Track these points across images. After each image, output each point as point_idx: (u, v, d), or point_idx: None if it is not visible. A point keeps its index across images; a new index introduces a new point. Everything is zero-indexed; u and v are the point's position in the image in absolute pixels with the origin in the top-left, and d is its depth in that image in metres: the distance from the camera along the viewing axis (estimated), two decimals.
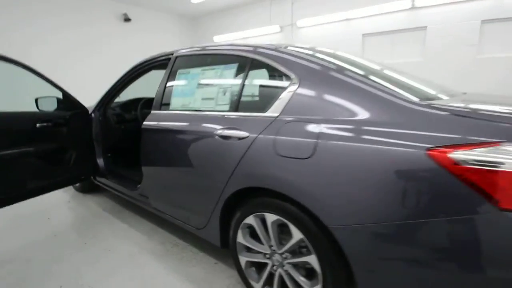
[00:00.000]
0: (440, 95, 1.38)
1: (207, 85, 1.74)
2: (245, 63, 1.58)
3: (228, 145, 1.47)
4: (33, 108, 2.29)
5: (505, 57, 4.54)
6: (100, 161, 2.79)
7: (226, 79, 1.65)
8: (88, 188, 3.13)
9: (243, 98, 1.55)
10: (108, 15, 6.38)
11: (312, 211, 1.19)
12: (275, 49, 1.51)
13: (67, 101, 2.45)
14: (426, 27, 5.13)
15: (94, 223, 2.50)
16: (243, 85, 1.56)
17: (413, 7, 5.16)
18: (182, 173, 1.76)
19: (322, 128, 1.19)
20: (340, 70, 1.32)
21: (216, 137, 1.53)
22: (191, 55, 1.93)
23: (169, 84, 1.98)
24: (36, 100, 2.41)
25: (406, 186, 0.98)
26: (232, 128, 1.48)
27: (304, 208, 1.24)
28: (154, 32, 7.33)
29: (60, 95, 2.42)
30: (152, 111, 2.01)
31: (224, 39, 7.81)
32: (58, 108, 2.48)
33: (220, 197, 1.54)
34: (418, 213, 0.96)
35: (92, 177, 2.82)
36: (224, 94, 1.63)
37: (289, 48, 1.53)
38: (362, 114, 1.14)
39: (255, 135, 1.37)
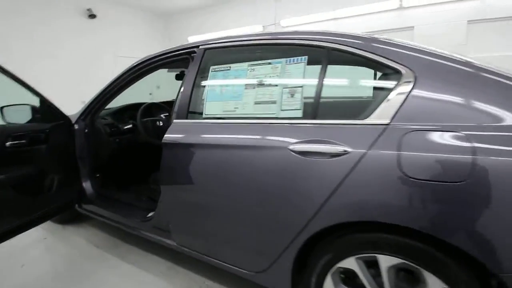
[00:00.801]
0: None
1: (262, 85, 1.33)
2: (321, 55, 1.21)
3: (313, 165, 1.08)
4: None
5: (490, 56, 4.68)
6: (87, 185, 2.21)
7: (293, 76, 1.26)
8: (69, 217, 2.50)
9: (323, 100, 1.18)
10: (71, 12, 5.56)
11: (472, 254, 0.85)
12: (368, 38, 1.16)
13: (46, 110, 1.87)
14: (413, 27, 5.16)
15: (86, 266, 1.93)
16: (321, 84, 1.18)
17: (401, 7, 5.16)
18: (231, 202, 1.33)
19: (474, 139, 0.87)
20: (469, 64, 1.01)
21: (291, 153, 1.13)
22: (229, 47, 1.50)
23: (198, 84, 1.53)
24: (1, 110, 1.80)
25: None
26: (318, 141, 1.10)
27: (444, 248, 0.90)
28: (122, 30, 6.59)
29: (35, 102, 1.84)
30: (175, 121, 1.54)
31: (199, 39, 7.29)
32: (33, 119, 1.89)
33: (301, 233, 1.14)
34: None
35: (76, 205, 2.23)
36: (292, 95, 1.24)
37: (379, 37, 1.19)
38: None
39: (362, 151, 1.00)
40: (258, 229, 1.27)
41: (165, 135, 1.53)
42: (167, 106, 2.53)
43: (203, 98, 1.50)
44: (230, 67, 1.44)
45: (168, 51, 1.77)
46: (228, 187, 1.32)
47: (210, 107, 1.46)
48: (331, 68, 1.20)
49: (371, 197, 0.98)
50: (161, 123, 2.33)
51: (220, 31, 6.86)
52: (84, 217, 2.41)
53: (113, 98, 2.11)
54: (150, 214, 1.80)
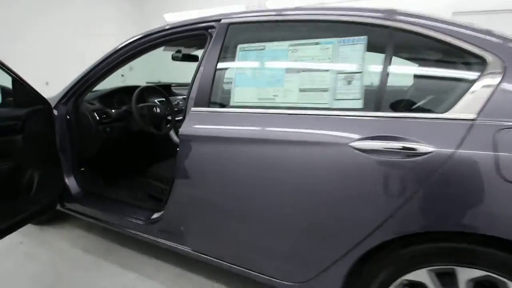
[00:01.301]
0: None
1: (307, 69, 1.13)
2: (383, 36, 1.04)
3: (385, 166, 0.93)
4: None
5: None
6: (71, 181, 1.89)
7: (350, 60, 1.07)
8: (47, 218, 2.15)
9: (388, 89, 1.01)
10: None
11: None
12: (444, 20, 1.00)
13: (20, 92, 1.51)
14: None
15: (77, 276, 1.66)
16: (385, 69, 1.01)
17: None
18: (272, 206, 1.14)
19: None
20: None
21: (354, 151, 0.96)
22: (262, 22, 1.27)
23: (222, 66, 1.30)
24: None
25: None
26: (387, 137, 0.94)
27: None
28: (93, 7, 5.90)
29: (6, 82, 1.48)
30: (193, 109, 1.30)
31: (178, 18, 6.77)
32: (4, 103, 1.53)
33: (362, 243, 0.99)
34: None
35: (58, 204, 1.91)
36: (349, 82, 1.06)
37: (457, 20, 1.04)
38: None
39: (449, 150, 0.86)
40: (307, 237, 1.11)
41: (183, 127, 1.29)
42: (163, 90, 2.24)
43: (230, 82, 1.27)
44: (264, 46, 1.22)
45: (177, 25, 1.50)
46: (268, 189, 1.12)
47: (240, 94, 1.23)
48: (396, 51, 1.04)
49: (461, 204, 0.85)
50: (158, 110, 2.04)
51: (198, 10, 6.40)
52: (66, 216, 2.09)
53: (103, 79, 1.79)
54: (155, 215, 1.56)
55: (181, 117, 2.37)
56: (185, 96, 2.56)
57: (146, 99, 2.20)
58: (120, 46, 1.66)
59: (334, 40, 1.10)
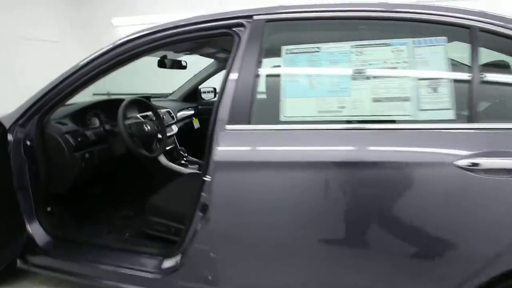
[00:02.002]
0: None
1: (380, 75, 0.95)
2: (465, 36, 0.91)
3: (501, 186, 0.79)
4: None
5: None
6: (34, 227, 1.43)
7: (431, 64, 0.92)
8: None
9: (482, 96, 0.88)
10: None
11: None
12: None
13: None
14: None
15: None
16: (475, 74, 0.89)
17: None
18: (351, 242, 0.92)
19: None
20: None
21: (461, 171, 0.80)
22: (311, 19, 1.06)
23: (263, 73, 1.05)
24: None
25: None
26: (499, 153, 0.80)
27: None
28: (28, 8, 5.05)
29: None
30: (228, 127, 1.02)
31: (128, 22, 6.19)
32: None
33: (471, 279, 0.84)
34: None
35: (18, 260, 1.42)
36: (435, 90, 0.91)
37: None
38: None
39: None
40: (397, 272, 0.91)
41: (219, 149, 1.00)
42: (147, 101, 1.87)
43: (277, 92, 1.02)
44: (319, 48, 1.01)
45: (184, 23, 1.21)
46: (349, 224, 0.91)
47: (293, 106, 1.00)
48: (482, 54, 0.92)
49: None
50: (148, 127, 1.67)
51: (154, 15, 5.93)
52: (28, 274, 1.57)
53: (80, 91, 1.38)
54: (169, 263, 1.22)
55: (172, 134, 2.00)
56: (167, 109, 2.23)
57: (127, 114, 1.81)
58: (100, 53, 1.30)
59: (408, 40, 0.95)
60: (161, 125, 1.80)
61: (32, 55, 5.04)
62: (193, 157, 2.24)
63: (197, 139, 2.56)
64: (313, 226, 0.95)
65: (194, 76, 2.58)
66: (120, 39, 1.28)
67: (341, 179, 0.90)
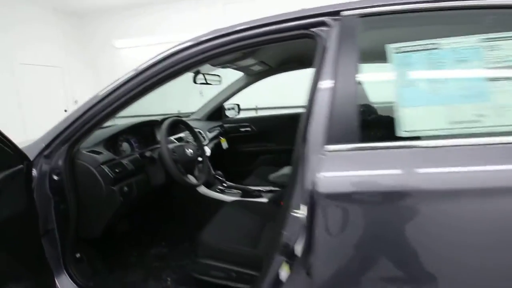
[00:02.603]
0: None
1: None
2: None
3: None
4: None
5: None
6: (62, 279, 1.17)
7: None
8: None
9: None
10: None
11: None
12: None
13: None
14: None
15: None
16: None
17: None
18: None
19: None
20: None
21: None
22: (417, 11, 0.86)
23: (365, 79, 0.85)
24: None
25: None
26: None
27: None
28: (24, 31, 4.92)
29: None
30: (329, 148, 0.80)
31: (129, 44, 6.09)
32: None
33: None
34: None
35: None
36: None
37: None
38: None
39: None
40: None
41: (324, 177, 0.77)
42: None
43: (388, 101, 0.82)
44: (437, 44, 0.82)
45: (254, 25, 1.02)
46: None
47: (414, 118, 0.79)
48: None
49: None
50: (190, 151, 1.44)
51: (156, 36, 5.83)
52: None
53: (114, 116, 1.17)
54: None
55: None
56: (198, 129, 2.00)
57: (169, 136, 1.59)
58: (147, 65, 1.09)
59: None
60: (201, 148, 1.57)
61: (33, 79, 4.86)
62: (227, 181, 2.00)
63: (228, 161, 2.33)
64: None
65: (219, 93, 2.38)
66: (170, 49, 1.08)
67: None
